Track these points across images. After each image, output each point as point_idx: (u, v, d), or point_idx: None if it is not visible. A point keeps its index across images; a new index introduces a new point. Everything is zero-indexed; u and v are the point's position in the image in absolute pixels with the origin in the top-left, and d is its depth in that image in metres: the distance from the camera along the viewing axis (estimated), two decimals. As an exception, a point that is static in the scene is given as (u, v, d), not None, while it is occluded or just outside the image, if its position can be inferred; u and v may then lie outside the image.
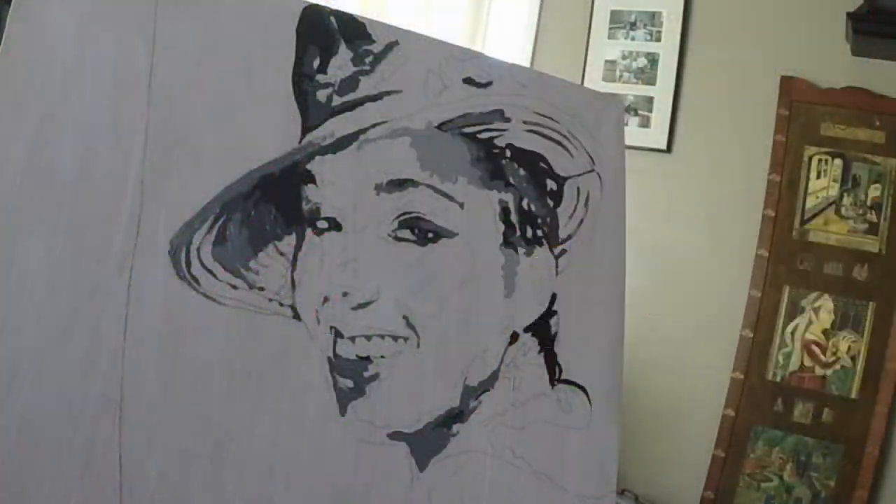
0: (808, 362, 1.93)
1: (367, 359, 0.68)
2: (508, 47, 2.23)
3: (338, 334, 0.67)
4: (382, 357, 0.68)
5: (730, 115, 2.06)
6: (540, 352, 0.76)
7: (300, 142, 0.67)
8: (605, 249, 0.82)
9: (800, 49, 2.00)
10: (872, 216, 1.92)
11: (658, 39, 2.12)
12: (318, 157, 0.68)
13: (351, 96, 0.70)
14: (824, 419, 1.90)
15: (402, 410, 0.68)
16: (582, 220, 0.80)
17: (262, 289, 0.64)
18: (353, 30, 0.71)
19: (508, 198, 0.76)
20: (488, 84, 0.77)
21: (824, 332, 1.93)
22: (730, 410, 1.94)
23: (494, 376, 0.73)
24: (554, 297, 0.78)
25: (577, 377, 0.77)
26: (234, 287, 0.63)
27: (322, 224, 0.67)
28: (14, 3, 0.59)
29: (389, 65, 0.72)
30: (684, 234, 2.09)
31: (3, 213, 0.56)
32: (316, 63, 0.69)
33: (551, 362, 0.76)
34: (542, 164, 0.78)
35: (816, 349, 1.93)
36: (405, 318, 0.70)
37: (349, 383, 0.67)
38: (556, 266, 0.78)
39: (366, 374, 0.67)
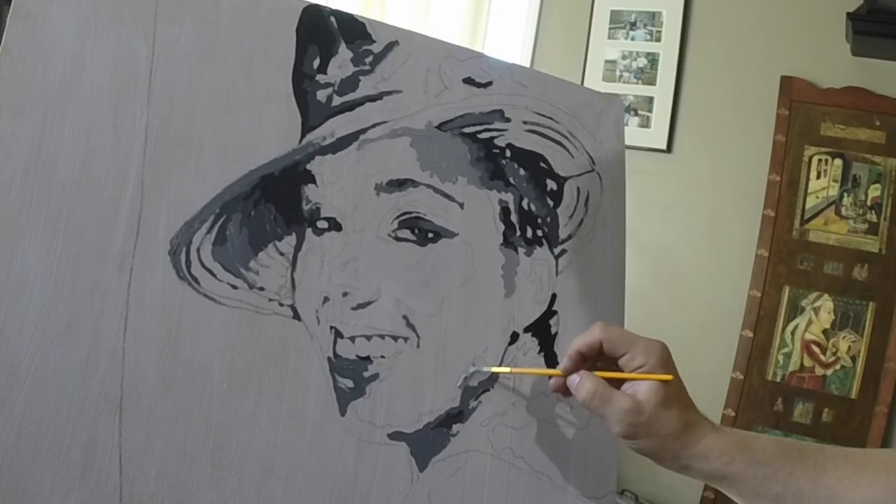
0: (808, 362, 1.94)
1: (367, 359, 0.68)
2: (508, 47, 2.24)
3: (338, 334, 0.67)
4: (382, 357, 0.68)
5: (730, 115, 2.06)
6: (540, 352, 0.76)
7: (300, 142, 0.67)
8: (605, 249, 0.82)
9: (800, 49, 2.00)
10: (872, 216, 1.93)
11: (658, 39, 2.12)
12: (318, 157, 0.68)
13: (351, 96, 0.70)
14: (824, 419, 1.90)
15: (402, 410, 0.68)
16: (582, 220, 0.80)
17: (262, 289, 0.64)
18: (353, 30, 0.71)
19: (508, 198, 0.76)
20: (488, 84, 0.77)
21: (824, 332, 1.93)
22: (730, 410, 1.94)
23: (494, 376, 0.73)
24: (554, 297, 0.78)
25: (577, 377, 0.77)
26: (234, 287, 0.63)
27: (322, 224, 0.67)
28: (14, 3, 0.59)
29: (389, 65, 0.72)
30: (684, 234, 2.09)
31: (3, 212, 0.56)
32: (316, 63, 0.69)
33: (551, 362, 0.76)
34: (542, 164, 0.78)
35: (816, 349, 1.93)
36: (405, 318, 0.70)
37: (349, 383, 0.67)
38: (556, 266, 0.78)
39: (366, 374, 0.67)
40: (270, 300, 0.65)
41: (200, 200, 0.63)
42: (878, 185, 1.93)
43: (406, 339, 0.69)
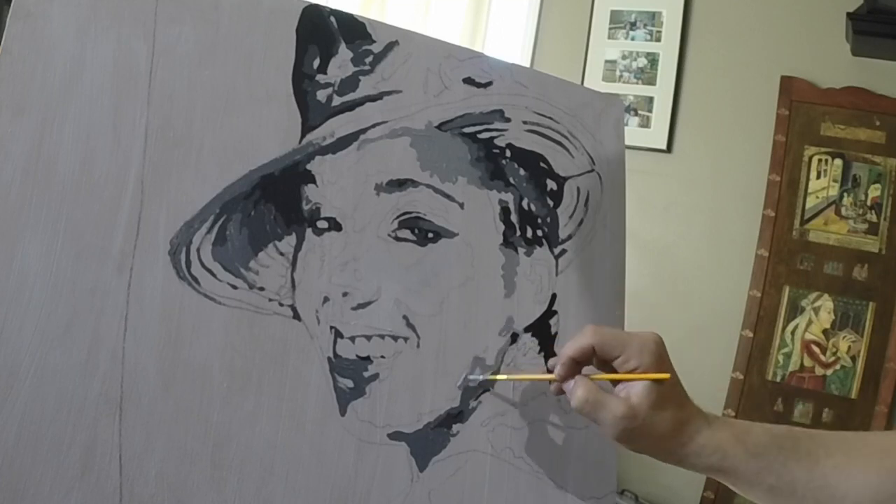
0: (808, 362, 1.94)
1: (367, 359, 0.68)
2: (508, 47, 2.24)
3: (338, 334, 0.67)
4: (382, 357, 0.68)
5: (730, 115, 2.06)
6: (540, 352, 0.76)
7: (300, 142, 0.67)
8: (605, 249, 0.82)
9: (800, 49, 2.00)
10: (872, 216, 1.93)
11: (658, 39, 2.12)
12: (318, 157, 0.68)
13: (351, 96, 0.70)
14: (824, 419, 1.90)
15: (402, 410, 0.68)
16: (582, 220, 0.80)
17: (262, 289, 0.64)
18: (353, 30, 0.71)
19: (508, 198, 0.76)
20: (488, 84, 0.77)
21: (824, 332, 1.93)
22: (730, 410, 1.94)
23: (494, 376, 0.73)
24: (554, 297, 0.78)
25: (577, 377, 0.77)
26: (234, 287, 0.63)
27: (322, 224, 0.67)
28: (14, 3, 0.59)
29: (389, 65, 0.72)
30: (684, 234, 2.09)
31: (3, 212, 0.56)
32: (316, 63, 0.69)
33: (551, 362, 0.76)
34: (542, 164, 0.78)
35: (816, 349, 1.93)
36: (405, 318, 0.70)
37: (349, 383, 0.67)
38: (556, 266, 0.78)
39: (366, 374, 0.67)
40: (270, 300, 0.65)
41: (200, 200, 0.63)
42: (878, 185, 1.93)
43: (406, 339, 0.69)
